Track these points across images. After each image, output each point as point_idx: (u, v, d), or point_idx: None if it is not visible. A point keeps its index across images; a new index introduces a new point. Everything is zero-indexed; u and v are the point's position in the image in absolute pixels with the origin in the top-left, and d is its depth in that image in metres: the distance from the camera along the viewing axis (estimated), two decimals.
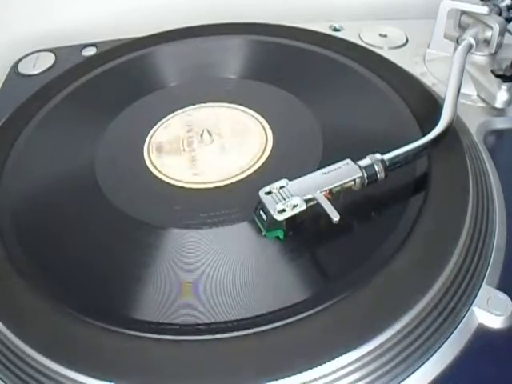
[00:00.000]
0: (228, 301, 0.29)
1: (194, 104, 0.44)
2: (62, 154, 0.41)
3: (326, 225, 0.30)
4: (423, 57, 0.49)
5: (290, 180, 0.32)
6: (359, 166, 0.32)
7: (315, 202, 0.30)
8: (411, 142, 0.34)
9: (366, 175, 0.32)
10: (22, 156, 0.40)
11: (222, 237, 0.33)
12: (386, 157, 0.32)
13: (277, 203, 0.30)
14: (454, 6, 0.45)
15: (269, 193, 0.31)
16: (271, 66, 0.47)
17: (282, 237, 0.31)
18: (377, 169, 0.32)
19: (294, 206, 0.30)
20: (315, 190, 0.31)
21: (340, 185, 0.31)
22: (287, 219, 0.30)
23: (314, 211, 0.31)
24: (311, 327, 0.27)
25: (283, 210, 0.30)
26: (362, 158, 0.33)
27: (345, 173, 0.32)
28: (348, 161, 0.32)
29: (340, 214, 0.29)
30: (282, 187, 0.31)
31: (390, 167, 0.32)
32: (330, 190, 0.31)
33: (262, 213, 0.31)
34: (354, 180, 0.32)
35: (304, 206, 0.30)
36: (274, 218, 0.30)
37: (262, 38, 0.50)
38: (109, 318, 0.29)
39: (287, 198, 0.31)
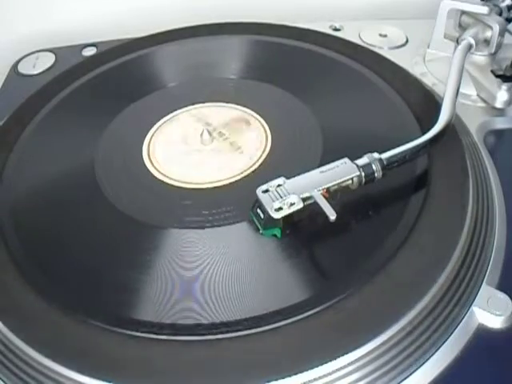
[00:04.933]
0: (228, 301, 0.29)
1: (194, 104, 0.44)
2: (62, 154, 0.41)
3: (324, 223, 0.30)
4: (423, 57, 0.49)
5: (288, 178, 0.32)
6: (357, 165, 0.32)
7: (312, 200, 0.30)
8: (409, 141, 0.34)
9: (363, 174, 0.32)
10: (23, 156, 0.40)
11: (222, 236, 0.33)
12: (384, 156, 0.32)
13: (274, 201, 0.30)
14: (453, 5, 0.45)
15: (266, 191, 0.31)
16: (271, 66, 0.47)
17: (278, 235, 0.31)
18: (374, 168, 0.32)
19: (291, 205, 0.30)
20: (312, 189, 0.31)
21: (337, 183, 0.31)
22: (284, 217, 0.30)
23: (311, 210, 0.31)
24: (311, 327, 0.27)
25: (280, 208, 0.30)
26: (361, 157, 0.33)
27: (342, 172, 0.32)
28: (346, 160, 0.32)
29: (338, 212, 0.29)
30: (279, 185, 0.31)
31: (388, 166, 0.32)
32: (328, 189, 0.31)
33: (259, 211, 0.31)
34: (352, 179, 0.32)
35: (301, 205, 0.30)
36: (270, 216, 0.30)
37: (262, 38, 0.50)
38: (108, 317, 0.29)
39: (284, 196, 0.31)
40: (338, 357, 0.26)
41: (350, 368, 0.26)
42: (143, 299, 0.30)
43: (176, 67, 0.49)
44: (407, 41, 0.52)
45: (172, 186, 0.37)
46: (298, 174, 0.32)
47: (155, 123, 0.43)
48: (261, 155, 0.38)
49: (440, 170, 0.35)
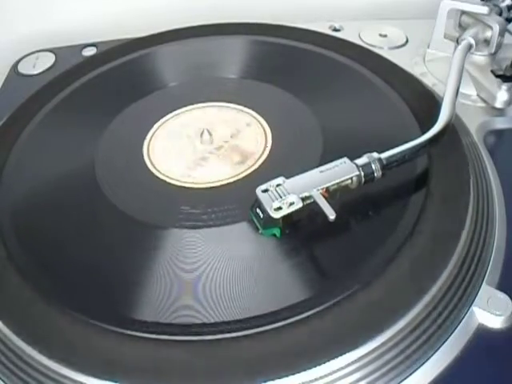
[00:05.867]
0: (228, 301, 0.29)
1: (194, 104, 0.44)
2: (62, 154, 0.41)
3: (324, 223, 0.30)
4: (423, 57, 0.49)
5: (288, 178, 0.32)
6: (356, 165, 0.32)
7: (312, 200, 0.30)
8: (409, 141, 0.34)
9: (362, 174, 0.32)
10: (23, 156, 0.40)
11: (222, 236, 0.33)
12: (383, 156, 0.32)
13: (273, 201, 0.30)
14: (453, 5, 0.45)
15: (265, 190, 0.31)
16: (271, 66, 0.47)
17: (278, 235, 0.31)
18: (374, 167, 0.32)
19: (291, 204, 0.30)
20: (312, 188, 0.31)
21: (337, 183, 0.31)
22: (284, 217, 0.30)
23: (311, 210, 0.31)
24: (311, 327, 0.27)
25: (279, 208, 0.30)
26: (360, 157, 0.33)
27: (342, 171, 0.32)
28: (345, 159, 0.32)
29: (337, 212, 0.29)
30: (278, 185, 0.31)
31: (388, 166, 0.32)
32: (327, 189, 0.31)
33: (258, 210, 0.31)
34: (351, 178, 0.32)
35: (300, 204, 0.30)
36: (270, 216, 0.30)
37: (262, 38, 0.50)
38: (108, 318, 0.29)
39: (284, 196, 0.30)
40: (338, 357, 0.26)
41: (350, 368, 0.26)
42: (143, 299, 0.30)
43: (176, 67, 0.49)
44: (407, 41, 0.52)
45: (172, 185, 0.37)
46: (298, 174, 0.32)
47: (155, 123, 0.43)
48: (261, 155, 0.38)
49: (440, 170, 0.35)
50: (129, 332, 0.28)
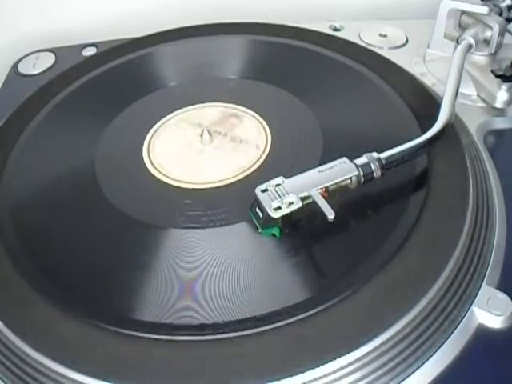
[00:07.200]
0: (228, 301, 0.29)
1: (194, 104, 0.44)
2: (62, 154, 0.41)
3: (323, 223, 0.30)
4: (423, 57, 0.49)
5: (287, 178, 0.32)
6: (355, 165, 0.32)
7: (311, 199, 0.30)
8: (408, 141, 0.34)
9: (362, 173, 0.32)
10: (23, 156, 0.40)
11: (222, 237, 0.33)
12: (383, 155, 0.32)
13: (272, 201, 0.30)
14: (454, 5, 0.45)
15: (265, 190, 0.31)
16: (271, 66, 0.47)
17: (277, 234, 0.31)
18: (373, 167, 0.32)
19: (290, 204, 0.30)
20: (311, 188, 0.31)
21: (336, 183, 0.31)
22: (283, 217, 0.30)
23: (310, 209, 0.31)
24: (311, 327, 0.27)
25: (279, 208, 0.30)
26: (360, 156, 0.33)
27: (341, 171, 0.32)
28: (344, 159, 0.32)
29: (337, 212, 0.29)
30: (278, 185, 0.31)
31: (387, 166, 0.32)
32: (327, 188, 0.31)
33: (257, 210, 0.31)
34: (351, 178, 0.32)
35: (299, 204, 0.30)
36: (269, 216, 0.30)
37: (262, 38, 0.50)
38: (108, 318, 0.29)
39: (283, 196, 0.31)
40: (338, 357, 0.26)
41: (351, 368, 0.26)
42: (143, 299, 0.30)
43: (176, 67, 0.49)
44: (407, 41, 0.52)
45: (172, 186, 0.37)
46: (298, 174, 0.32)
47: (155, 123, 0.43)
48: (261, 155, 0.38)
49: (440, 170, 0.35)
50: (128, 332, 0.28)
